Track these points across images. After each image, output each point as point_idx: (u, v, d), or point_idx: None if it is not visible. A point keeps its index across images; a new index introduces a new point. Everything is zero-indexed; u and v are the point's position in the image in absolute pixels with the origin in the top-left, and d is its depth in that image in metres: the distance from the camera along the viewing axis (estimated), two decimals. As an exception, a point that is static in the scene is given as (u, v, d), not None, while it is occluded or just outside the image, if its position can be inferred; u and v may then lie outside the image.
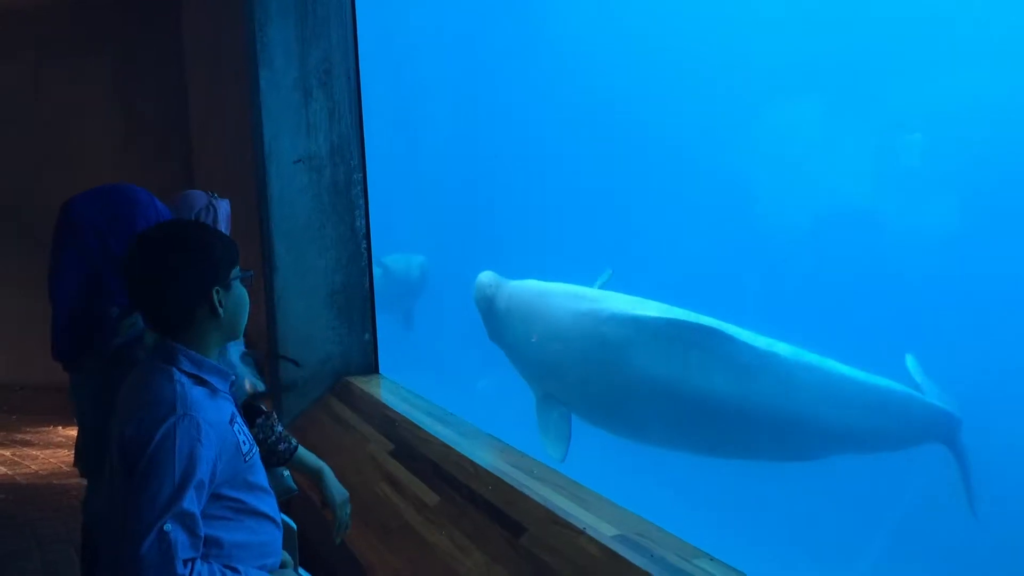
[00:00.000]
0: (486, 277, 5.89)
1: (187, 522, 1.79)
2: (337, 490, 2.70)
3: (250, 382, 2.68)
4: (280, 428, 2.71)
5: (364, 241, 5.78)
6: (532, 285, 5.81)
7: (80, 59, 9.22)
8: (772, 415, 5.33)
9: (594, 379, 5.42)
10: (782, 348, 5.60)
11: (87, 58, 9.22)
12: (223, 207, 2.95)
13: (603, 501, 3.38)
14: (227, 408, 2.01)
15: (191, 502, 1.80)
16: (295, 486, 2.82)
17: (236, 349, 2.67)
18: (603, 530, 3.03)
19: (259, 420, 2.66)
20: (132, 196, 2.49)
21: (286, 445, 2.71)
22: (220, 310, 2.00)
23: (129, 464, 1.84)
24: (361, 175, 5.76)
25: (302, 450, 2.75)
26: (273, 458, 2.67)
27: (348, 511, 2.72)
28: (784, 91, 9.44)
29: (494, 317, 5.79)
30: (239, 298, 2.07)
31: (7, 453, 7.23)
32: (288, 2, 5.38)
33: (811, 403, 5.37)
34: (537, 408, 5.50)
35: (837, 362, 5.71)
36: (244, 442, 1.99)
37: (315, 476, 2.72)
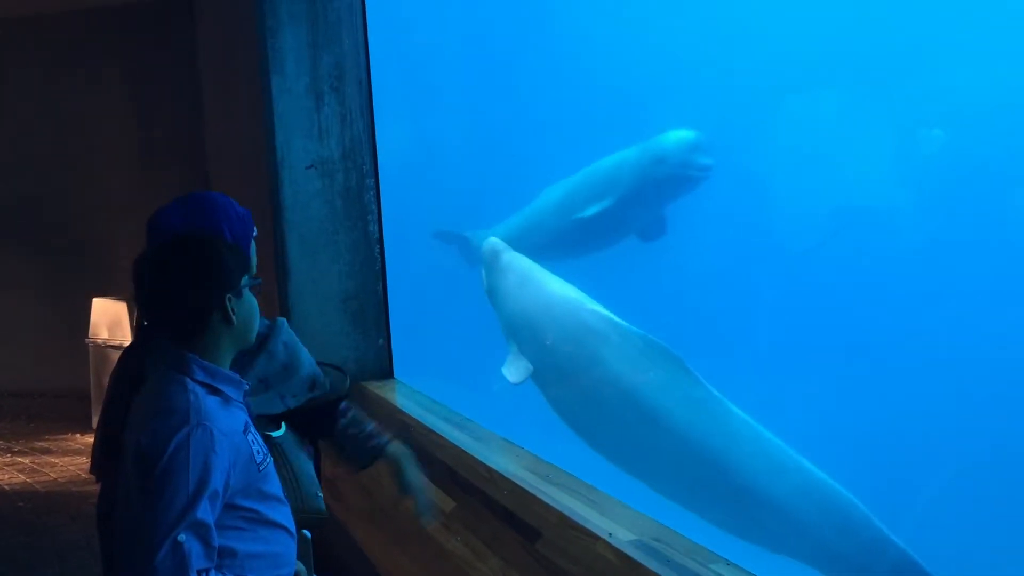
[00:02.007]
0: (495, 242, 6.04)
1: (201, 532, 1.79)
2: (415, 476, 2.66)
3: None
4: (370, 425, 2.68)
5: (377, 246, 5.78)
6: (534, 265, 5.86)
7: (94, 67, 9.29)
8: (694, 466, 5.26)
9: (557, 359, 5.46)
10: (734, 411, 5.45)
11: (101, 66, 9.28)
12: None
13: (619, 506, 3.36)
14: (241, 417, 2.01)
15: (205, 512, 1.80)
16: (325, 508, 2.72)
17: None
18: (620, 535, 3.01)
19: (346, 417, 2.63)
20: (212, 202, 2.48)
21: (378, 441, 2.66)
22: (233, 318, 1.99)
23: (143, 474, 1.83)
24: (373, 180, 5.76)
25: (395, 451, 2.69)
26: (366, 456, 2.65)
27: (430, 495, 2.73)
28: (798, 87, 9.39)
29: (493, 274, 5.87)
30: (251, 306, 2.07)
31: (26, 461, 7.28)
32: (299, 8, 5.39)
33: (733, 472, 5.23)
34: (508, 355, 5.59)
35: (786, 447, 5.44)
36: (258, 452, 1.98)
37: (396, 464, 2.67)
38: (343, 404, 2.65)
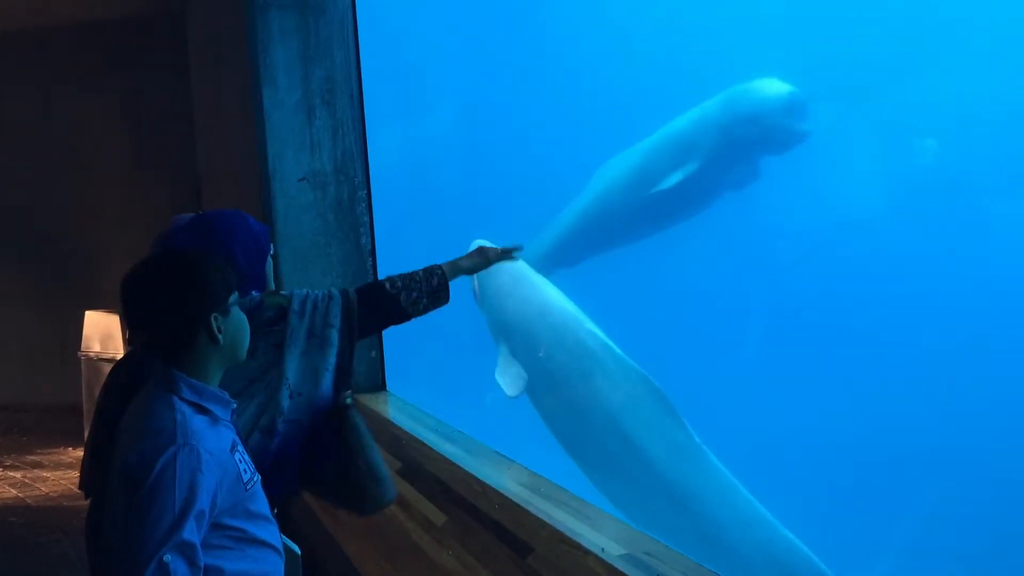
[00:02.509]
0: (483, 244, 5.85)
1: (187, 552, 1.78)
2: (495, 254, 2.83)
3: None
4: (420, 273, 2.70)
5: (370, 258, 5.79)
6: (527, 269, 5.79)
7: (89, 80, 9.30)
8: (662, 500, 5.30)
9: (550, 369, 5.43)
10: (711, 459, 5.48)
11: (96, 79, 9.29)
12: None
13: (611, 520, 3.36)
14: (228, 436, 2.00)
15: (191, 532, 1.80)
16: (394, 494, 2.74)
17: None
18: (611, 550, 3.01)
19: (400, 285, 2.67)
20: (223, 222, 2.56)
21: (438, 279, 2.70)
22: (219, 336, 1.99)
23: (129, 493, 1.83)
24: (365, 192, 5.77)
25: (449, 266, 2.76)
26: (440, 294, 2.70)
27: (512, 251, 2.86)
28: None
29: (483, 275, 5.73)
30: (239, 323, 2.06)
31: (18, 475, 7.25)
32: (290, 23, 5.40)
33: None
34: (499, 357, 5.55)
35: (755, 502, 5.46)
36: (245, 471, 1.98)
37: (479, 267, 2.82)
38: (387, 285, 2.68)
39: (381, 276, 5.73)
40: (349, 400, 2.59)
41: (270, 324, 2.54)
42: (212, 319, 1.97)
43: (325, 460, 2.55)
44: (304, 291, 2.63)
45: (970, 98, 8.22)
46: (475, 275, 5.27)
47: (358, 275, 5.68)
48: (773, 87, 6.46)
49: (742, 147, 6.59)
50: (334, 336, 2.56)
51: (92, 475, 3.02)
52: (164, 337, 1.98)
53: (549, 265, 6.70)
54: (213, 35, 7.48)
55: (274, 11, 5.39)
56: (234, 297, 2.05)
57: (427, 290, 2.68)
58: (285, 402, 2.49)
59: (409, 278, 2.68)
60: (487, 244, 5.26)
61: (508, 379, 5.54)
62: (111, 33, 9.15)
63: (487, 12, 11.02)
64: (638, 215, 7.08)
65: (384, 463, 2.61)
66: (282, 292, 2.65)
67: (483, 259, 2.83)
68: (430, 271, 2.70)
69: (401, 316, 2.68)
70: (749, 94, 6.54)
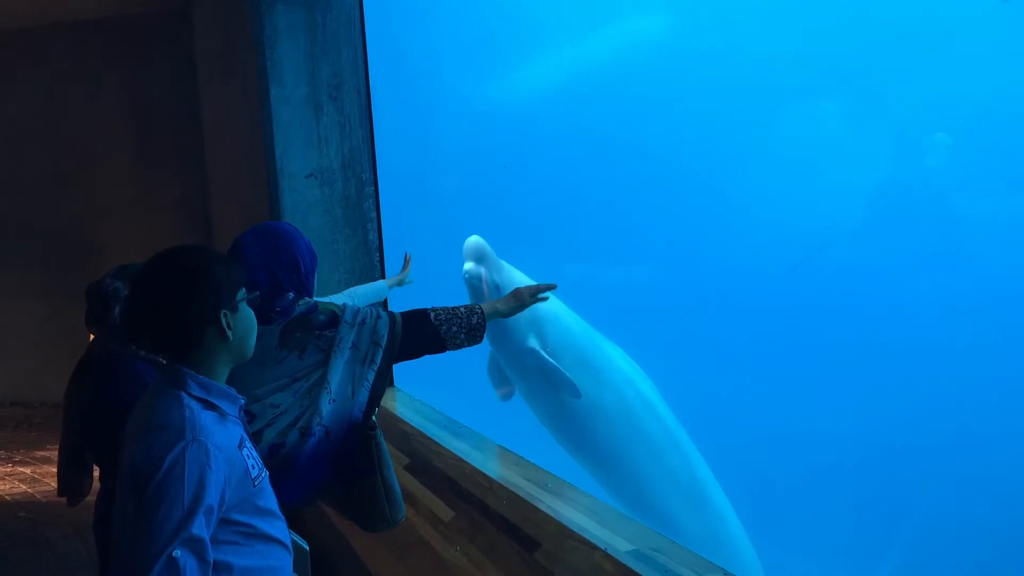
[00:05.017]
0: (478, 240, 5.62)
1: (196, 548, 1.79)
2: (529, 295, 2.88)
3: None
4: (462, 309, 2.76)
5: (377, 254, 5.79)
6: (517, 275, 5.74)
7: (94, 78, 9.31)
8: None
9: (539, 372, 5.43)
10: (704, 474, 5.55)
11: (101, 77, 9.31)
12: None
13: (618, 516, 3.36)
14: (236, 432, 2.00)
15: (200, 528, 1.80)
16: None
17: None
18: (618, 545, 3.01)
19: (443, 318, 2.72)
20: (287, 231, 2.73)
21: (478, 318, 2.76)
22: (229, 333, 1.99)
23: (138, 489, 1.83)
24: (373, 188, 5.77)
25: (489, 307, 2.82)
26: (477, 332, 2.75)
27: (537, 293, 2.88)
28: (796, 93, 9.37)
29: (482, 271, 5.64)
30: (247, 319, 2.06)
31: (27, 471, 7.29)
32: (297, 19, 5.40)
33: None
34: (489, 362, 5.55)
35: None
36: (253, 466, 1.98)
37: (515, 310, 2.87)
38: (431, 315, 2.73)
39: (388, 273, 5.77)
40: (374, 419, 2.68)
41: (321, 328, 2.62)
42: (221, 316, 1.97)
43: (347, 473, 2.62)
44: (356, 305, 2.72)
45: (984, 91, 8.15)
46: (484, 278, 5.28)
47: (365, 270, 5.69)
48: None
49: None
50: (379, 355, 2.65)
51: (73, 480, 3.07)
52: (173, 335, 1.98)
53: None
54: (220, 32, 7.49)
55: (281, 7, 5.39)
56: (242, 294, 2.05)
57: (466, 326, 2.74)
58: (325, 406, 2.57)
59: (452, 312, 2.75)
60: (483, 243, 5.25)
61: (499, 389, 5.55)
62: (117, 31, 9.17)
63: (495, 6, 11.00)
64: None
65: (398, 484, 2.69)
66: (336, 302, 2.73)
67: (519, 303, 2.89)
68: (471, 309, 2.77)
69: (439, 347, 2.75)
70: None
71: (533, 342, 5.10)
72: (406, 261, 3.89)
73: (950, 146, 8.11)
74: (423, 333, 2.71)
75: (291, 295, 2.66)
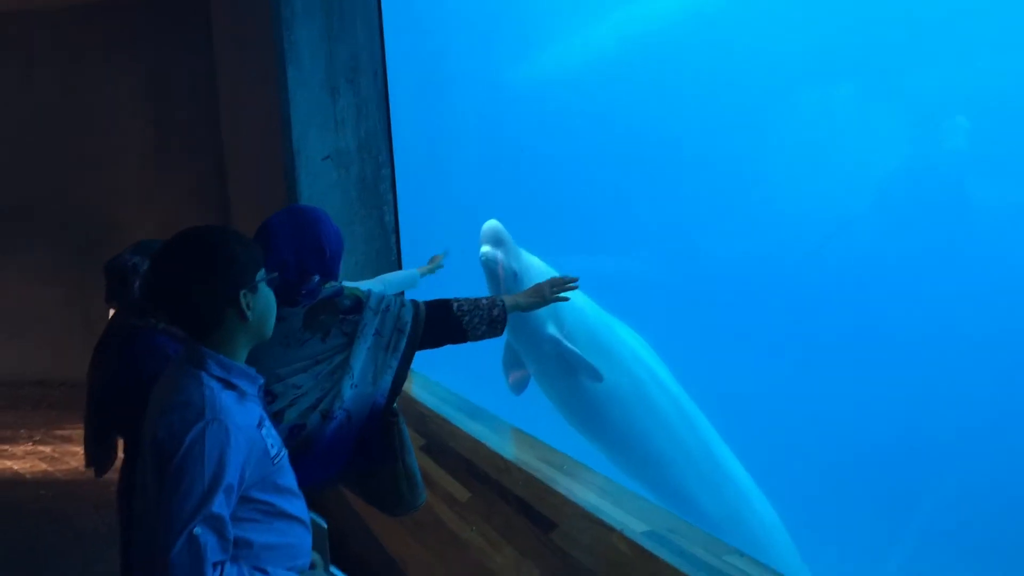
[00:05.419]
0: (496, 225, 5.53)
1: (216, 525, 1.81)
2: (550, 291, 2.90)
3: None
4: (484, 301, 2.77)
5: (393, 236, 5.81)
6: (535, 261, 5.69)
7: (111, 60, 9.33)
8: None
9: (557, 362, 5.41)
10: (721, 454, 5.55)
11: (118, 59, 9.32)
12: None
13: (634, 497, 3.37)
14: (255, 411, 2.02)
15: (220, 506, 1.82)
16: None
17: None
18: (634, 526, 3.02)
19: (466, 308, 2.73)
20: (314, 216, 2.75)
21: (499, 311, 2.76)
22: (248, 313, 2.01)
23: (159, 467, 1.86)
24: (389, 170, 5.78)
25: (510, 300, 2.83)
26: (497, 325, 2.76)
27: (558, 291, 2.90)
28: (814, 77, 9.29)
29: (499, 257, 5.54)
30: (267, 300, 2.08)
31: (47, 449, 7.36)
32: (314, 1, 5.40)
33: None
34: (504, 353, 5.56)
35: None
36: (272, 445, 2.00)
37: (535, 305, 2.90)
38: (454, 305, 2.74)
39: (404, 255, 5.78)
40: (396, 406, 2.71)
41: (345, 312, 2.65)
42: (241, 296, 1.99)
43: (369, 458, 2.65)
44: (381, 292, 2.73)
45: (1004, 74, 8.05)
46: (501, 262, 5.26)
47: (382, 253, 5.70)
48: None
49: None
50: (402, 343, 2.67)
51: (98, 453, 3.13)
52: (193, 315, 2.00)
53: None
54: (236, 14, 7.49)
55: (298, -11, 5.39)
56: (261, 274, 2.06)
57: (487, 318, 2.75)
58: (347, 391, 2.60)
59: (474, 304, 2.75)
60: (500, 228, 5.23)
61: (514, 381, 5.55)
62: (133, 13, 9.18)
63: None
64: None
65: (419, 469, 2.71)
66: (361, 288, 2.76)
67: (539, 299, 2.90)
68: (492, 301, 2.78)
69: (460, 338, 2.77)
70: None
71: (553, 330, 5.10)
72: (438, 257, 3.91)
73: (969, 130, 8.02)
74: (446, 323, 2.72)
75: (316, 278, 2.67)
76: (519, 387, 5.49)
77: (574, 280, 2.94)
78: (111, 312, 3.23)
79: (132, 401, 2.46)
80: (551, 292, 2.90)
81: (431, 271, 3.78)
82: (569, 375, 5.20)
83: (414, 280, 3.66)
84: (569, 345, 5.07)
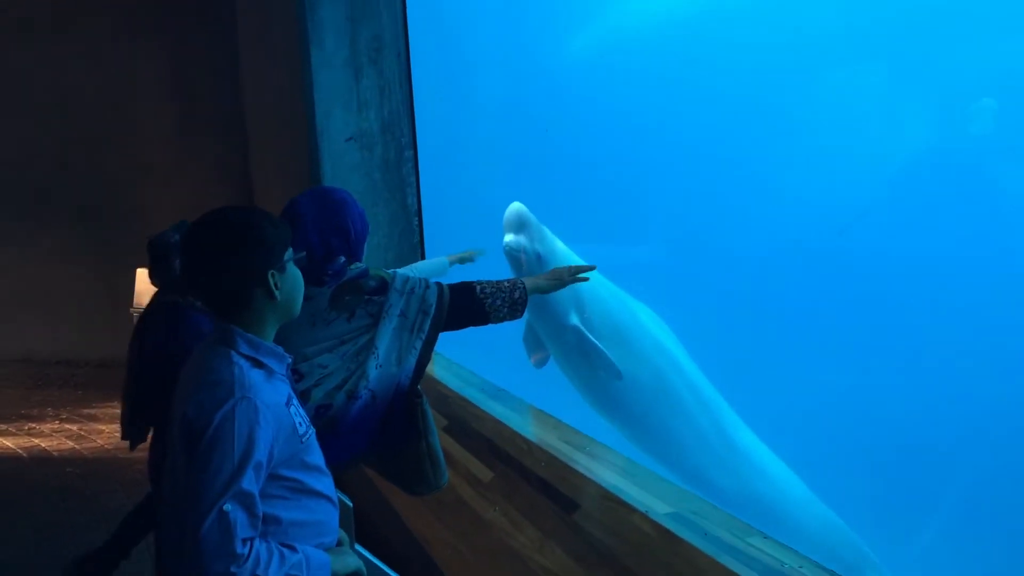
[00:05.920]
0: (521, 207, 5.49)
1: (246, 502, 1.83)
2: (569, 274, 2.92)
3: None
4: (505, 283, 2.78)
5: (415, 218, 5.81)
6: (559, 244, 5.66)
7: (136, 40, 9.37)
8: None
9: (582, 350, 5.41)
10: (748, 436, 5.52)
11: (143, 40, 9.36)
12: None
13: (657, 478, 3.38)
14: (284, 390, 2.04)
15: (250, 482, 1.84)
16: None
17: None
18: (657, 508, 3.03)
19: (488, 291, 2.75)
20: (340, 197, 2.76)
21: (520, 293, 2.78)
22: (277, 292, 2.02)
23: (189, 445, 1.88)
24: (412, 152, 5.78)
25: (531, 282, 2.84)
26: (518, 307, 2.77)
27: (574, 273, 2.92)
28: (833, 60, 9.17)
29: (523, 240, 5.49)
30: (295, 279, 2.09)
31: (74, 428, 7.45)
32: (338, -19, 5.39)
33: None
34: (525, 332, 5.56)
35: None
36: (300, 423, 2.02)
37: (555, 288, 2.91)
38: (477, 288, 2.75)
39: (427, 237, 5.79)
40: (420, 387, 2.72)
41: (371, 293, 2.67)
42: (269, 275, 2.00)
43: (393, 439, 2.67)
44: (407, 274, 2.75)
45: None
46: (524, 249, 5.24)
47: (404, 234, 5.71)
48: None
49: None
50: (427, 324, 2.67)
51: (134, 427, 3.19)
52: (222, 294, 2.01)
53: None
54: (260, -6, 7.50)
55: (321, -30, 5.38)
56: (289, 254, 2.07)
57: (509, 300, 2.76)
58: (372, 371, 2.62)
59: (496, 286, 2.76)
60: (524, 210, 5.20)
61: (535, 357, 5.56)
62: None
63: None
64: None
65: (442, 450, 2.73)
66: (387, 270, 2.78)
67: (559, 281, 2.92)
68: (514, 284, 2.79)
69: (482, 320, 2.77)
70: None
71: (575, 319, 5.09)
72: (473, 252, 3.92)
73: (997, 112, 7.89)
74: (469, 306, 2.73)
75: (342, 259, 2.69)
76: (540, 363, 5.50)
77: (592, 268, 2.95)
78: (154, 289, 3.29)
79: (168, 377, 2.50)
80: (570, 276, 2.91)
81: (461, 262, 3.79)
82: (589, 367, 5.20)
83: (444, 270, 3.67)
84: (591, 338, 5.05)
